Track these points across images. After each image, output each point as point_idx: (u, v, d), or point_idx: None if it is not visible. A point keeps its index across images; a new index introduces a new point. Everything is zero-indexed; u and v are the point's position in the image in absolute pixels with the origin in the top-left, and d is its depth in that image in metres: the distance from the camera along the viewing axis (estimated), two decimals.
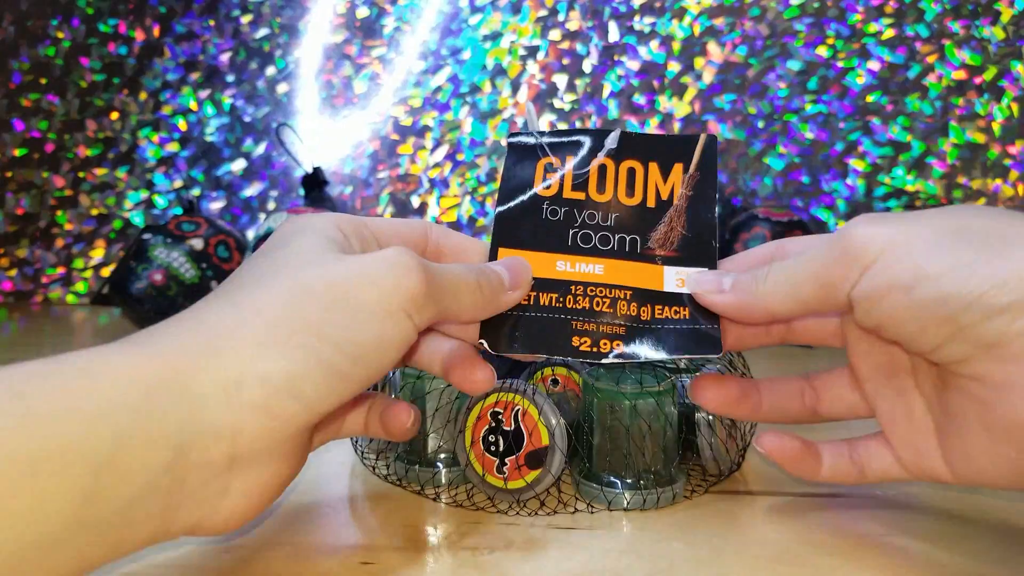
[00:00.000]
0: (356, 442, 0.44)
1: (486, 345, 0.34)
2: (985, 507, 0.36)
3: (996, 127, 0.99)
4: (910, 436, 0.32)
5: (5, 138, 1.13)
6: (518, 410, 0.37)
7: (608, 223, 0.37)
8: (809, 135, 1.02)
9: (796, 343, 0.36)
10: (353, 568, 0.31)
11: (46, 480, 0.22)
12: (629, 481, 0.37)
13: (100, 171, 1.13)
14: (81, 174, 1.13)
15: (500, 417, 0.37)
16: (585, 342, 0.34)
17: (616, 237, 0.37)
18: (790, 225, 0.86)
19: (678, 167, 0.38)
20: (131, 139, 1.13)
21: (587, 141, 0.39)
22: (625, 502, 0.36)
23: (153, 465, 0.24)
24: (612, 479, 0.37)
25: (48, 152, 1.13)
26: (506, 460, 0.37)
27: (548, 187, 0.38)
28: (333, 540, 0.34)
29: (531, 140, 0.39)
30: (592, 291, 0.35)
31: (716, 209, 0.38)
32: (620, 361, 0.34)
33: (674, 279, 0.36)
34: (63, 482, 0.22)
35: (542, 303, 0.35)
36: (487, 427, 0.38)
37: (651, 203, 0.37)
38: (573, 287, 0.35)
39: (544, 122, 1.07)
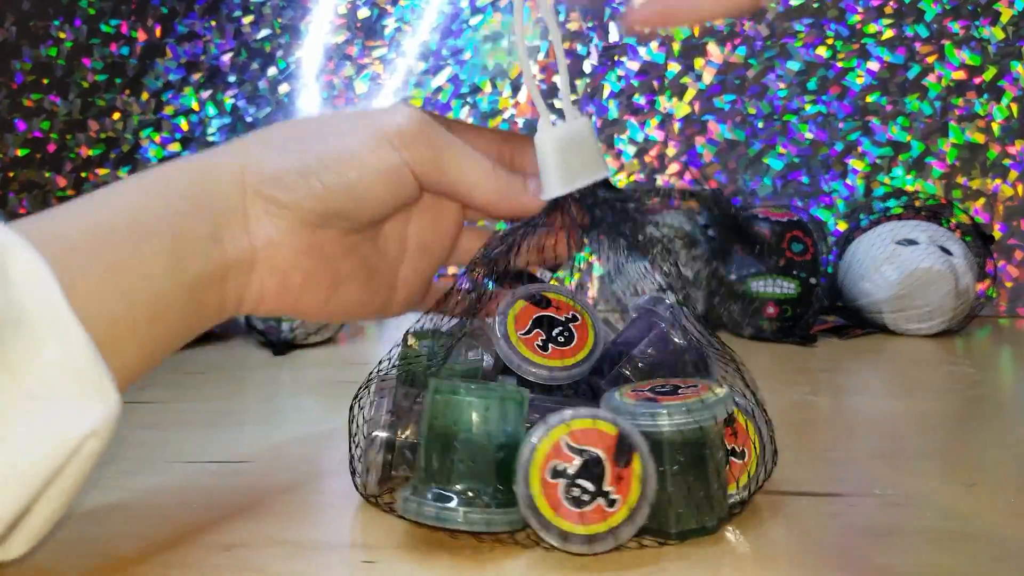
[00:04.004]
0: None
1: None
2: (985, 506, 0.36)
3: (995, 127, 0.99)
4: None
5: (7, 138, 1.14)
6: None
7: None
8: (808, 135, 1.02)
9: None
10: (354, 566, 0.31)
11: (147, 246, 0.30)
12: None
13: (102, 171, 1.13)
14: (83, 174, 1.14)
15: (584, 450, 0.31)
16: None
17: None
18: (789, 225, 0.86)
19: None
20: (133, 139, 1.13)
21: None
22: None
23: (204, 235, 0.32)
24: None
25: (50, 152, 1.14)
26: (598, 498, 0.30)
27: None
28: (334, 539, 0.34)
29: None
30: None
31: None
32: None
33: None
34: (157, 249, 0.30)
35: None
36: (572, 466, 0.31)
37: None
38: None
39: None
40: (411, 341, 0.38)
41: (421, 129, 0.34)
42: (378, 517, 0.36)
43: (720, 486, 0.33)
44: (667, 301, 0.38)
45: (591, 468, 0.30)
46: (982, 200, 0.99)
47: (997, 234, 1.00)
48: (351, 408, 0.38)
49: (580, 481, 0.30)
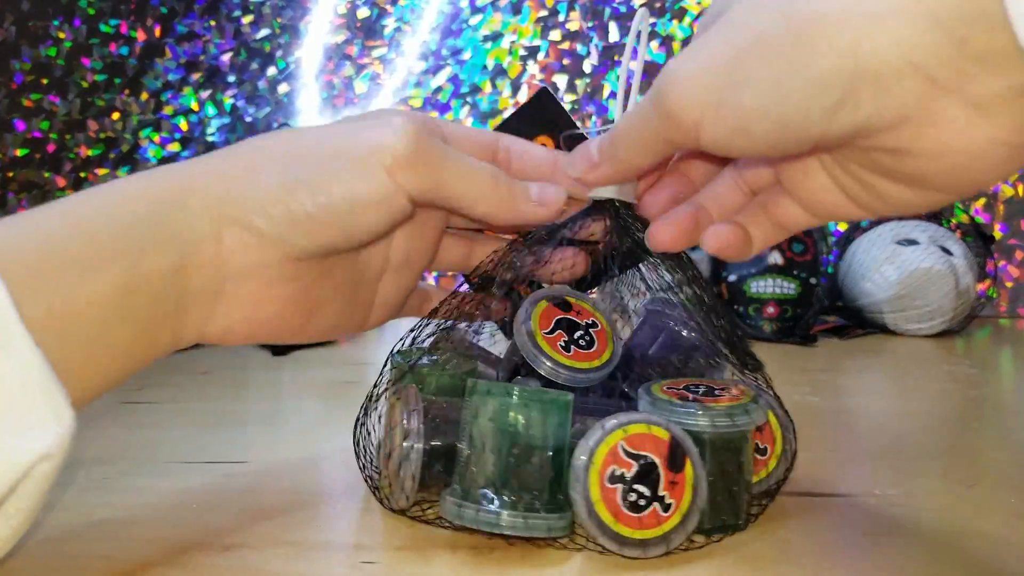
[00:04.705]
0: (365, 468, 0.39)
1: None
2: (985, 506, 0.36)
3: None
4: (816, 195, 0.30)
5: (7, 138, 1.14)
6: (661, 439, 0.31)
7: None
8: None
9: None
10: (355, 567, 0.31)
11: (97, 276, 0.27)
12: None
13: (102, 171, 1.13)
14: (83, 174, 1.13)
15: (639, 454, 0.31)
16: None
17: None
18: None
19: None
20: (132, 139, 1.13)
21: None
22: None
23: (166, 266, 0.29)
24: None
25: (50, 152, 1.14)
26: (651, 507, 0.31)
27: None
28: (334, 539, 0.34)
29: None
30: None
31: None
32: None
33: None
34: (107, 281, 0.28)
35: None
36: (630, 472, 0.30)
37: None
38: None
39: None
40: (401, 357, 0.38)
41: (417, 149, 0.31)
42: (378, 517, 0.36)
43: (749, 486, 0.34)
44: (674, 300, 0.38)
45: (647, 473, 0.31)
46: (982, 200, 0.99)
47: (997, 234, 0.99)
48: (355, 430, 0.38)
49: (637, 486, 0.30)
